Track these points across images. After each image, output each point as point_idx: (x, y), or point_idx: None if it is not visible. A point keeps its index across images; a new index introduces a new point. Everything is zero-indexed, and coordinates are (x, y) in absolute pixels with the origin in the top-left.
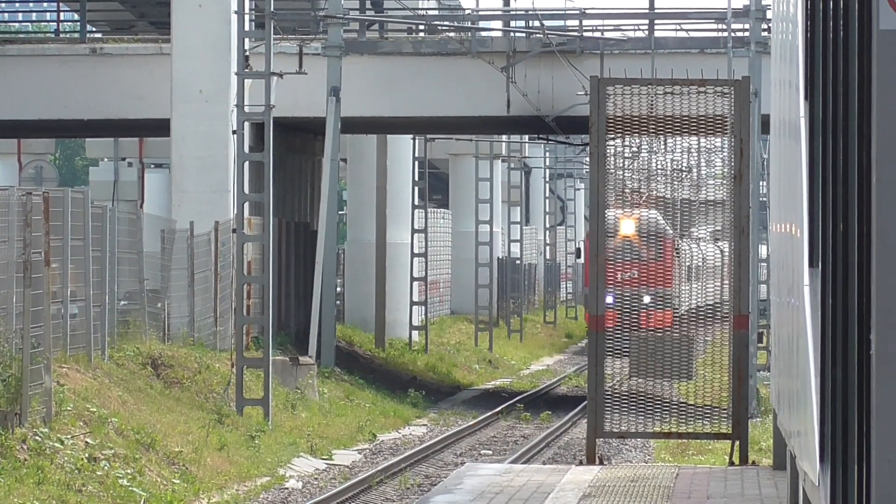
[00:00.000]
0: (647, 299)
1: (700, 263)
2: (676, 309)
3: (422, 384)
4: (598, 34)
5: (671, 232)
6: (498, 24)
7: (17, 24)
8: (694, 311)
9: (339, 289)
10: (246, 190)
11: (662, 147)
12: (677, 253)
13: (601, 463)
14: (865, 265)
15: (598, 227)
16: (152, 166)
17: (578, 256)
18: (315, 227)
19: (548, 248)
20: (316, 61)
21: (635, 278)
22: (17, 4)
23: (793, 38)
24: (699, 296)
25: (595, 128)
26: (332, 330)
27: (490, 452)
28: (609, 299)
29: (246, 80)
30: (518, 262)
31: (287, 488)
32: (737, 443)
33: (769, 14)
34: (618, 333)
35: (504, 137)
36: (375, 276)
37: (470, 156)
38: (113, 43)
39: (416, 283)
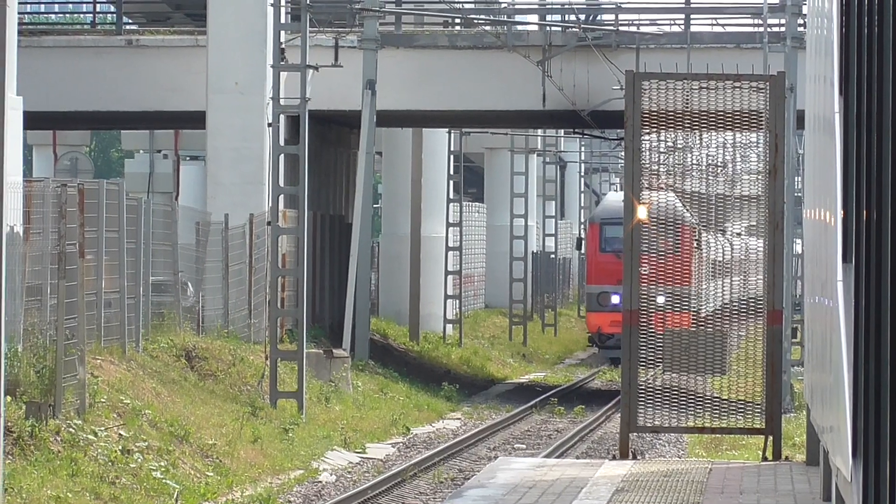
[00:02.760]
0: (660, 300)
1: (730, 257)
2: (696, 311)
3: (456, 378)
4: (633, 28)
5: (691, 219)
6: (534, 17)
7: (53, 16)
8: (723, 309)
9: (373, 282)
10: (281, 182)
11: (697, 142)
12: (699, 244)
13: (634, 457)
14: None
15: (632, 223)
16: (187, 158)
17: (579, 247)
18: (350, 220)
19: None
20: (352, 54)
21: (647, 274)
22: None
23: (828, 34)
24: (727, 295)
25: (630, 122)
26: (367, 323)
27: (524, 446)
28: (615, 299)
29: (281, 73)
30: (553, 256)
31: (320, 481)
32: (770, 438)
33: (805, 9)
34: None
35: (539, 131)
36: (410, 269)
37: (505, 150)
38: (149, 35)
39: (450, 277)
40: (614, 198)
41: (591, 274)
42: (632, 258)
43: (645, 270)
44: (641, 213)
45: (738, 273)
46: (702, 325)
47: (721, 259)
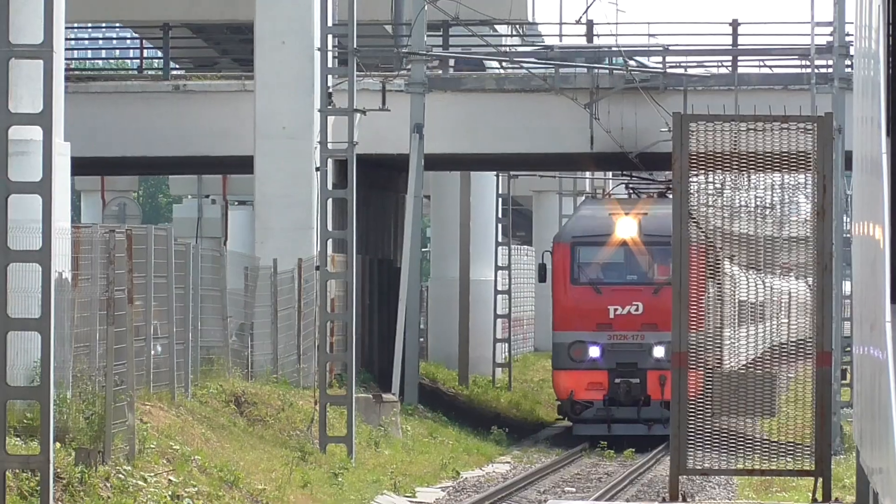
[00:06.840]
0: (658, 351)
1: (778, 299)
2: (711, 369)
3: (505, 421)
4: (681, 71)
5: (701, 239)
6: (581, 60)
7: (100, 62)
8: (772, 351)
9: (422, 326)
10: (329, 227)
11: (745, 183)
12: (715, 275)
13: (684, 500)
14: None
15: (680, 265)
16: (236, 203)
17: (542, 279)
18: (398, 264)
19: None
20: (399, 98)
21: (639, 315)
22: (101, 42)
23: (874, 75)
24: (773, 338)
25: (678, 164)
26: (416, 367)
27: (574, 490)
28: (593, 351)
29: (329, 117)
30: None
31: None
32: (820, 480)
33: (852, 50)
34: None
35: (587, 174)
36: (459, 313)
37: (553, 192)
38: (196, 80)
39: (499, 320)
40: (591, 209)
41: (559, 316)
42: (680, 296)
43: (628, 311)
44: (625, 229)
45: (787, 315)
46: (750, 368)
47: (768, 301)
